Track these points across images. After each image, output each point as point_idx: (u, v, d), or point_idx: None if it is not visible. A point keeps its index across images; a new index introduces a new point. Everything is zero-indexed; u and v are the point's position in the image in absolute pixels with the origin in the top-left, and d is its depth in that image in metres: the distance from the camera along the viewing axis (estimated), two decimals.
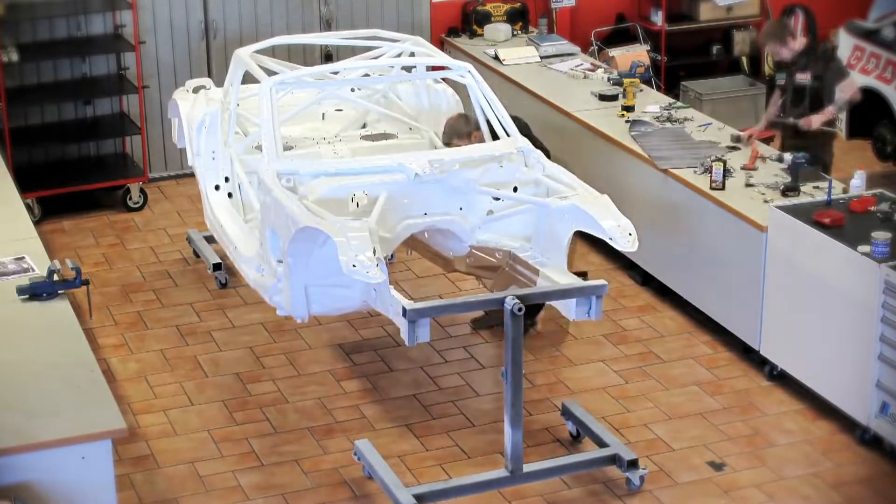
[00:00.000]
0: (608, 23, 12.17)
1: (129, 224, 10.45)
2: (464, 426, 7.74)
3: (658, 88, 11.51)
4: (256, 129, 8.31)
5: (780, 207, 7.90)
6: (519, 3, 11.91)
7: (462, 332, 8.61)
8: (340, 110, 8.93)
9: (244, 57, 8.36)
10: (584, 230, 7.35)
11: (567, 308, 7.17)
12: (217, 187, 8.59)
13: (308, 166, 7.51)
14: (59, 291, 6.87)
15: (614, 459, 7.14)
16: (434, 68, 8.63)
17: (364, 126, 8.91)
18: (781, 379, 8.07)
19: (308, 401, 8.01)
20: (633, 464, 7.09)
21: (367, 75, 8.76)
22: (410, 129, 8.79)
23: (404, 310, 6.69)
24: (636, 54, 11.91)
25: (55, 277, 6.85)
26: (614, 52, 11.87)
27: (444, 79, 8.85)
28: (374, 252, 6.65)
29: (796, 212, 7.82)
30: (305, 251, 7.20)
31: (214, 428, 7.74)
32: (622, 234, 7.08)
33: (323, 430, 7.72)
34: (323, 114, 8.95)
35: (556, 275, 7.35)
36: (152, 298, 9.26)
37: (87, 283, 6.95)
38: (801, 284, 7.74)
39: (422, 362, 8.38)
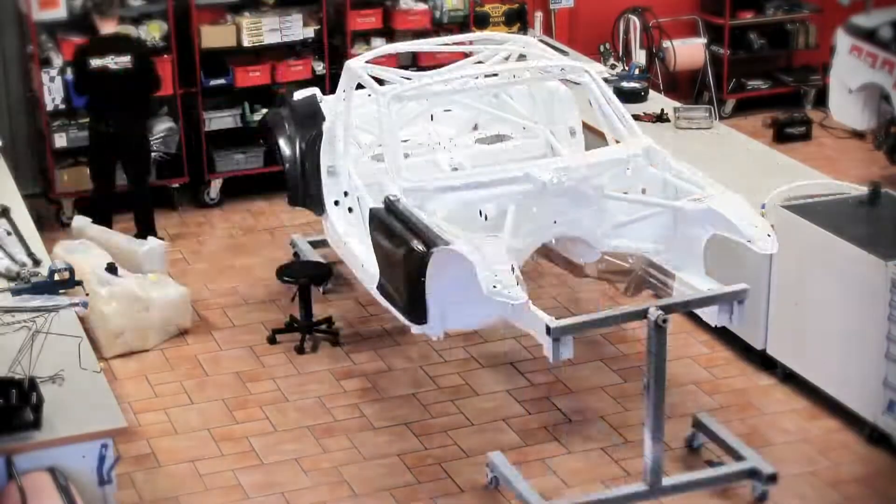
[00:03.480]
0: (608, 23, 12.15)
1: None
2: (463, 425, 7.77)
3: (717, 88, 11.55)
4: (369, 139, 8.18)
5: (787, 207, 7.93)
6: (517, 4, 11.92)
7: (461, 331, 8.55)
8: (449, 111, 8.74)
9: (356, 69, 8.13)
10: (721, 233, 7.20)
11: (710, 314, 7.03)
12: (336, 202, 8.29)
13: (434, 182, 7.35)
14: (60, 291, 6.91)
15: (753, 473, 7.04)
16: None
17: (476, 128, 8.74)
18: (790, 379, 8.08)
19: (308, 399, 8.04)
20: (772, 478, 7.00)
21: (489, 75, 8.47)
22: (524, 128, 8.62)
23: (548, 328, 6.52)
24: (694, 47, 11.95)
25: (56, 278, 6.89)
26: (667, 44, 11.90)
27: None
28: (513, 270, 6.51)
29: (803, 211, 7.86)
30: (440, 268, 7.00)
31: (214, 427, 7.77)
32: (761, 236, 6.96)
33: (322, 428, 7.74)
34: (431, 115, 8.75)
35: (694, 279, 7.22)
36: None
37: (80, 283, 6.99)
38: (809, 284, 7.78)
39: (421, 361, 8.41)
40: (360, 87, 8.20)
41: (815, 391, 7.90)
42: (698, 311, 7.17)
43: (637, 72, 10.57)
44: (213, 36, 10.60)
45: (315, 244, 9.40)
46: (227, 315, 9.02)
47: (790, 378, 8.10)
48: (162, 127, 10.53)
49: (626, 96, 10.09)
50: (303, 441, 7.62)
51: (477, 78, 8.07)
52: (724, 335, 8.56)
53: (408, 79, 8.13)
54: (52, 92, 10.22)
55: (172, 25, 10.45)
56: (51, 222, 10.43)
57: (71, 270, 6.94)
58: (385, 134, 7.54)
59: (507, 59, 8.47)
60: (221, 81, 10.60)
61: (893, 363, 7.27)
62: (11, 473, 5.53)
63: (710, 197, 7.25)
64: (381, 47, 8.69)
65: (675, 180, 7.51)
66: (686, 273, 7.31)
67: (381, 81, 8.06)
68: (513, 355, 8.46)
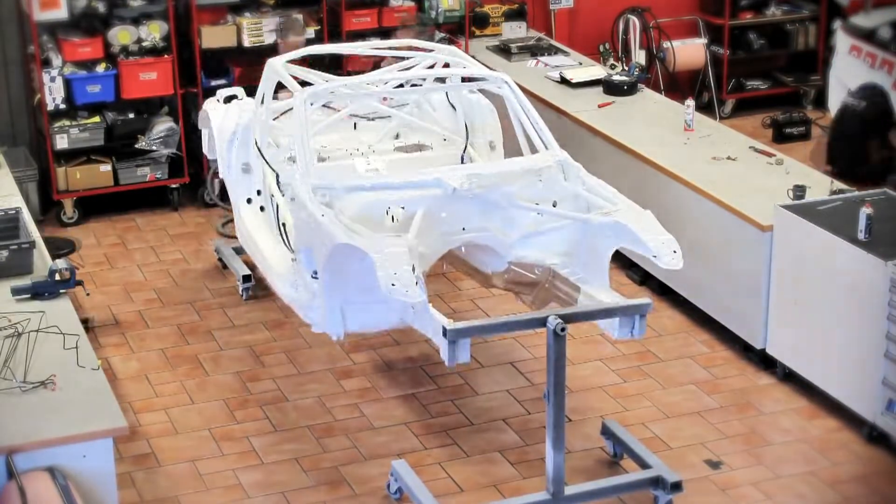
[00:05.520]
0: (607, 23, 12.17)
1: (130, 224, 10.50)
2: (463, 425, 7.78)
3: (717, 88, 11.53)
4: (288, 141, 8.20)
5: (786, 207, 7.95)
6: (517, 4, 11.94)
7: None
8: (373, 119, 8.75)
9: (277, 67, 8.15)
10: (626, 247, 7.17)
11: (610, 326, 6.99)
12: (249, 200, 8.40)
13: (344, 181, 7.34)
14: (62, 291, 6.93)
15: (657, 481, 6.97)
16: (468, 79, 8.41)
17: (398, 136, 8.76)
18: (789, 379, 8.09)
19: (308, 399, 8.05)
20: (676, 486, 6.93)
21: (401, 86, 8.56)
22: (445, 139, 8.65)
23: (444, 329, 6.50)
24: (694, 47, 11.97)
25: (57, 277, 6.90)
26: (667, 44, 11.91)
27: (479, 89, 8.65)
28: (413, 270, 6.49)
29: (802, 211, 7.87)
30: (342, 268, 7.04)
31: (215, 426, 7.78)
32: (666, 251, 6.90)
33: (322, 428, 7.76)
34: (355, 123, 8.78)
35: (598, 292, 7.19)
36: (153, 297, 9.31)
37: (80, 283, 7.02)
38: (808, 283, 7.79)
39: (421, 361, 8.42)
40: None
41: (815, 391, 7.91)
42: (600, 324, 7.11)
43: (637, 72, 10.61)
44: (214, 36, 10.62)
45: (239, 251, 9.29)
46: (227, 314, 9.04)
47: (790, 377, 8.12)
48: (162, 127, 10.56)
49: (615, 89, 10.24)
50: (302, 441, 7.64)
51: (399, 85, 8.10)
52: (724, 335, 8.57)
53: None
54: (53, 92, 10.25)
55: (173, 25, 10.46)
56: (52, 222, 10.48)
57: (72, 270, 6.96)
58: (298, 132, 7.51)
59: (433, 65, 8.49)
60: (222, 81, 10.60)
61: (893, 362, 7.29)
62: (11, 473, 5.55)
63: (618, 211, 7.22)
64: (304, 48, 8.67)
65: (587, 194, 7.46)
66: (591, 286, 7.26)
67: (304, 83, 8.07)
68: (513, 355, 8.48)
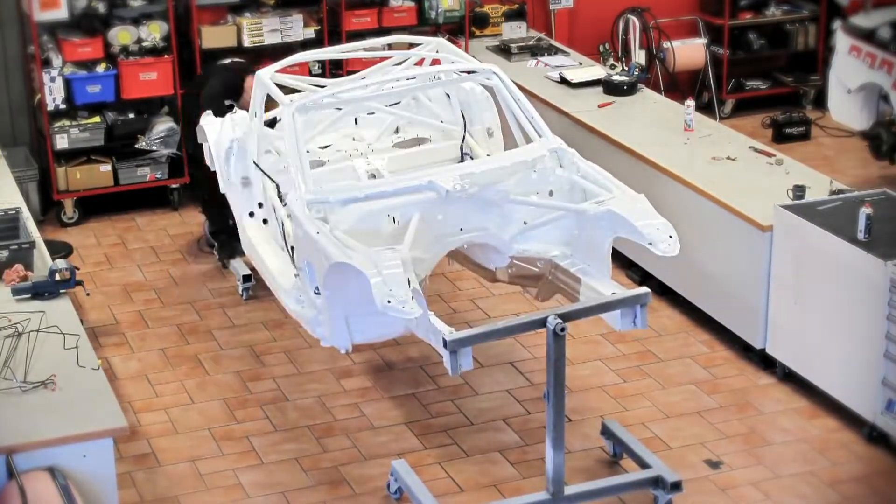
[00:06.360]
0: (607, 23, 12.17)
1: (130, 224, 10.50)
2: (462, 425, 7.79)
3: (716, 88, 11.52)
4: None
5: (786, 207, 7.95)
6: (517, 4, 11.94)
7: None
8: (373, 113, 8.69)
9: (265, 80, 8.07)
10: (623, 236, 7.12)
11: (612, 319, 6.97)
12: (251, 214, 8.34)
13: (338, 194, 7.29)
14: (62, 291, 6.93)
15: (657, 481, 6.96)
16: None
17: (397, 130, 8.73)
18: (789, 378, 8.10)
19: (308, 399, 8.06)
20: (676, 486, 6.91)
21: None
22: (443, 131, 8.63)
23: (445, 340, 6.50)
24: (694, 47, 11.98)
25: (57, 277, 6.90)
26: (667, 45, 11.92)
27: None
28: (409, 283, 6.48)
29: (802, 211, 7.88)
30: (342, 282, 7.02)
31: (215, 426, 7.78)
32: (662, 238, 6.86)
33: (322, 428, 7.76)
34: (356, 119, 8.74)
35: (599, 283, 7.16)
36: (153, 297, 9.31)
37: (80, 283, 7.02)
38: (808, 283, 7.79)
39: (421, 361, 8.43)
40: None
41: (815, 390, 7.92)
42: (602, 317, 7.08)
43: (637, 72, 10.61)
44: (214, 36, 10.62)
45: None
46: (227, 314, 9.04)
47: (789, 377, 8.12)
48: (162, 127, 10.55)
49: (615, 89, 10.25)
50: (303, 440, 7.64)
51: (389, 85, 8.02)
52: (724, 335, 8.58)
53: (320, 86, 8.08)
54: (53, 92, 10.25)
55: (173, 25, 10.47)
56: (52, 222, 10.48)
57: (72, 270, 6.96)
58: (290, 146, 7.45)
59: (422, 59, 8.46)
60: None
61: (892, 362, 7.29)
62: (11, 473, 5.55)
63: (612, 199, 7.17)
64: (291, 56, 8.62)
65: (583, 182, 7.43)
66: (592, 278, 7.23)
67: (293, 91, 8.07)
68: (513, 355, 8.48)
